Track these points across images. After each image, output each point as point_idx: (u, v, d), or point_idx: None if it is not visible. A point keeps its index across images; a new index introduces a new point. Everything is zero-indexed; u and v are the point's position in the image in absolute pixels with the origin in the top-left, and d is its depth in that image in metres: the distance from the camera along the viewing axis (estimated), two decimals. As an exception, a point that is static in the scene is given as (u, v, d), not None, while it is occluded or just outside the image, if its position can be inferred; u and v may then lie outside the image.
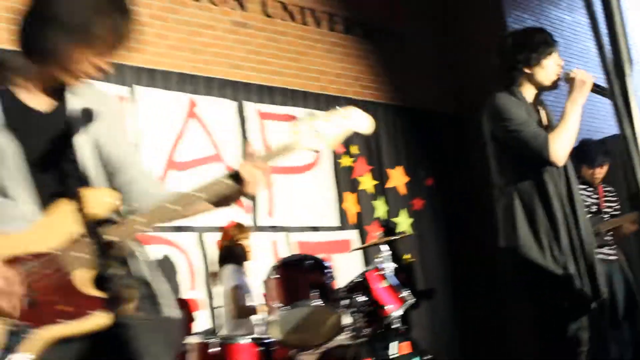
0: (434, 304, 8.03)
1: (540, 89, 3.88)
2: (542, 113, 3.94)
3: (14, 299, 2.11)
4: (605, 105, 9.56)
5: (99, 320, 2.16)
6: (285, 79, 7.53)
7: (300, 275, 5.00)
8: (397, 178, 8.21)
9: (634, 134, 1.18)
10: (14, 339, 2.10)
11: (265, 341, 4.96)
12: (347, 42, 8.34)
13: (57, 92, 2.45)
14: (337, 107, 2.60)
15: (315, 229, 7.32)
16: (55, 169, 2.31)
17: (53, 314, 2.15)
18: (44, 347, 2.14)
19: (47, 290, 2.17)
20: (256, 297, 5.70)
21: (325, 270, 5.06)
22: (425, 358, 5.22)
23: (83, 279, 2.20)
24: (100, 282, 2.20)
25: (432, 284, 8.13)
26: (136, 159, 2.68)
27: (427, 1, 9.35)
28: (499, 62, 3.98)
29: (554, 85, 3.85)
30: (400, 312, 5.16)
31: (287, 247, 7.00)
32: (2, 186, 2.26)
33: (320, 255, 5.28)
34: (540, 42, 3.82)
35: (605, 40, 1.26)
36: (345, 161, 7.70)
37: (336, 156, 7.63)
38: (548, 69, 3.79)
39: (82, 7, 2.25)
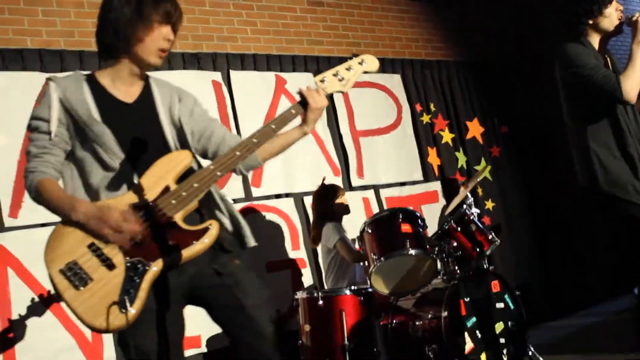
0: (517, 243, 7.99)
1: (606, 35, 3.86)
2: (609, 61, 3.88)
3: (127, 235, 2.45)
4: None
5: (197, 248, 2.53)
6: (363, 49, 7.46)
7: (393, 228, 5.00)
8: (474, 129, 8.13)
9: None
10: (135, 272, 2.43)
11: (366, 291, 4.98)
12: (416, 7, 8.26)
13: (141, 85, 2.86)
14: (352, 55, 3.01)
15: (402, 184, 7.30)
16: (145, 142, 2.71)
17: (162, 249, 2.50)
18: (156, 275, 2.48)
19: (152, 232, 2.51)
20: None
21: (417, 221, 5.04)
22: (514, 294, 5.17)
23: (180, 217, 2.56)
24: (195, 219, 2.67)
25: (514, 225, 8.08)
26: (218, 129, 3.00)
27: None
28: (565, 17, 3.93)
29: (618, 30, 3.83)
30: (487, 253, 5.13)
31: (378, 203, 7.00)
32: (106, 162, 2.61)
33: (409, 207, 5.24)
34: None
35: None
36: (425, 118, 7.66)
37: (416, 114, 7.60)
38: (610, 17, 3.78)
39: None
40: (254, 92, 6.45)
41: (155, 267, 2.47)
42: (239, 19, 6.68)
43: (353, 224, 5.73)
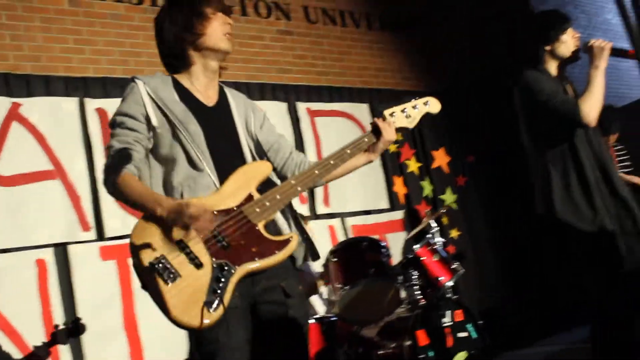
0: (482, 273, 7.97)
1: (563, 62, 3.91)
2: (568, 87, 3.93)
3: (203, 225, 2.48)
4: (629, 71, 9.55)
5: (279, 257, 2.60)
6: (331, 78, 7.53)
7: (357, 256, 4.99)
8: (441, 158, 8.15)
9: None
10: (223, 273, 2.48)
11: (329, 320, 4.94)
12: (384, 38, 8.31)
13: (217, 91, 2.91)
14: (416, 97, 3.20)
15: (368, 212, 7.27)
16: (226, 148, 2.76)
17: (246, 254, 2.55)
18: (240, 278, 2.52)
19: (238, 237, 2.56)
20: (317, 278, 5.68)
21: (381, 250, 5.04)
22: (477, 323, 5.15)
23: (263, 226, 2.62)
24: (275, 229, 2.74)
25: (479, 253, 8.07)
26: (285, 144, 3.04)
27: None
28: (524, 45, 4.03)
29: (575, 57, 3.88)
30: (451, 282, 5.11)
31: (343, 231, 6.97)
32: (195, 162, 2.64)
33: (374, 236, 5.21)
34: (554, 21, 3.89)
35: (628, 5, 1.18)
36: (392, 147, 7.63)
37: (383, 144, 7.53)
38: (567, 43, 3.85)
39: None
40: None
41: (240, 270, 2.54)
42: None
43: (320, 252, 5.67)
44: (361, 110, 7.54)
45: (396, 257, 5.88)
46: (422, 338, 4.78)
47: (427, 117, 7.59)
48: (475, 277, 7.85)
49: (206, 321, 2.40)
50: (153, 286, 2.43)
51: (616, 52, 3.70)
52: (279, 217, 2.79)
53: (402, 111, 3.03)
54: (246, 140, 2.84)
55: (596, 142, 3.80)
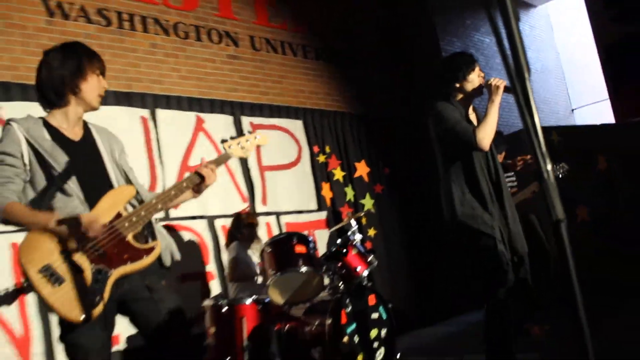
0: (393, 265, 8.08)
1: (469, 96, 3.99)
2: (473, 115, 4.03)
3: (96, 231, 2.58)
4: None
5: (147, 261, 2.74)
6: (271, 97, 7.55)
7: (288, 248, 5.00)
8: (362, 169, 8.19)
9: (533, 123, 1.18)
10: (100, 276, 2.58)
11: (264, 301, 4.96)
12: (318, 66, 8.38)
13: (82, 127, 2.96)
14: (249, 131, 3.36)
15: (299, 212, 7.29)
16: (93, 175, 2.82)
17: (120, 260, 2.66)
18: (116, 280, 2.65)
19: (112, 246, 2.65)
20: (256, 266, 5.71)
21: (309, 243, 5.06)
22: (387, 306, 5.21)
23: (132, 237, 2.74)
24: (141, 238, 2.82)
25: (390, 249, 8.17)
26: (134, 176, 3.10)
27: (379, 31, 9.43)
28: (437, 81, 4.08)
29: (479, 92, 3.97)
30: (367, 272, 5.16)
31: (278, 227, 6.99)
32: (64, 189, 2.68)
33: (304, 232, 5.25)
34: (463, 63, 3.97)
35: (508, 53, 1.25)
36: (321, 158, 7.71)
37: (313, 154, 7.63)
38: (472, 81, 3.95)
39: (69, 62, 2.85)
40: (177, 128, 6.40)
41: (116, 272, 2.64)
42: (166, 65, 6.65)
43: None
44: (296, 126, 7.57)
45: (321, 250, 5.92)
46: (342, 317, 4.83)
47: (349, 133, 7.78)
48: (387, 268, 7.95)
49: (89, 315, 2.52)
50: (41, 290, 2.50)
51: (508, 90, 3.80)
52: (146, 229, 2.89)
53: (238, 144, 3.14)
54: (112, 166, 2.91)
55: (491, 163, 3.93)
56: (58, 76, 2.81)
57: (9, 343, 4.88)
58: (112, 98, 5.89)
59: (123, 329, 5.03)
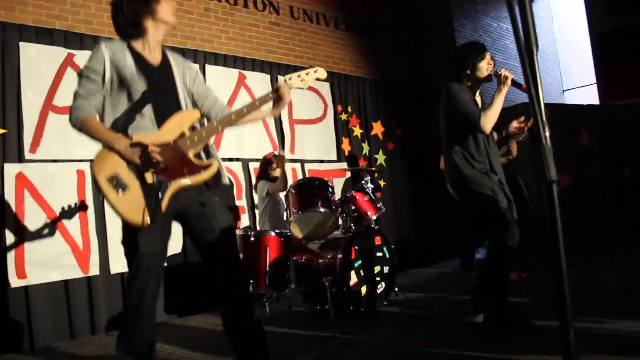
0: (398, 212, 8.10)
1: (478, 82, 3.90)
2: (478, 99, 3.93)
3: (159, 159, 2.54)
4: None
5: (204, 176, 2.69)
6: (304, 61, 7.47)
7: (310, 191, 5.01)
8: (377, 128, 8.14)
9: (537, 93, 1.15)
10: (161, 186, 2.55)
11: (286, 234, 4.99)
12: (347, 36, 8.26)
13: (160, 53, 2.85)
14: (310, 66, 3.25)
15: (321, 161, 7.28)
16: (166, 97, 2.76)
17: (180, 173, 2.63)
18: (175, 191, 2.61)
19: (173, 162, 2.62)
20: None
21: (328, 188, 5.06)
22: (390, 247, 5.23)
23: (192, 154, 2.69)
24: (200, 156, 2.78)
25: (397, 198, 8.18)
26: (211, 94, 3.02)
27: (401, 7, 9.24)
28: (450, 66, 3.98)
29: (488, 79, 3.86)
30: (375, 217, 5.17)
31: (302, 172, 6.99)
32: (140, 110, 2.64)
33: (324, 178, 5.24)
34: (474, 51, 3.86)
35: (520, 29, 1.21)
36: (343, 116, 7.67)
37: (337, 113, 7.58)
38: (482, 69, 3.83)
39: None
40: (222, 82, 6.35)
41: (174, 184, 2.61)
42: (216, 27, 6.60)
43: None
44: (323, 87, 7.48)
45: (338, 195, 5.93)
46: (351, 253, 4.85)
47: (369, 97, 7.73)
48: (393, 214, 7.98)
49: (148, 220, 2.51)
50: (108, 195, 2.51)
51: (515, 84, 3.71)
52: (205, 149, 2.85)
53: (298, 76, 2.99)
54: (182, 91, 2.84)
55: (491, 141, 3.89)
56: (131, 9, 2.73)
57: (72, 254, 4.96)
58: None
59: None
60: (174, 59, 2.92)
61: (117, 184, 2.51)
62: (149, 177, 2.56)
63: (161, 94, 2.73)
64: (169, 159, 2.60)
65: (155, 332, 2.80)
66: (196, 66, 3.07)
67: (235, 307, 2.82)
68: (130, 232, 2.61)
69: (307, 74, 3.02)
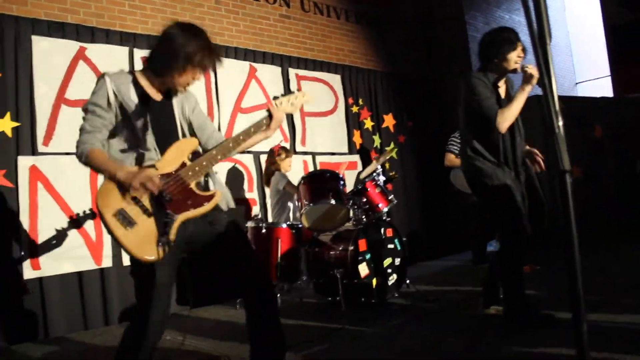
0: (410, 205, 8.10)
1: (504, 72, 3.70)
2: (503, 88, 3.77)
3: (152, 187, 2.45)
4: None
5: (207, 207, 2.63)
6: (315, 53, 7.46)
7: (321, 183, 5.00)
8: (389, 121, 8.12)
9: (550, 84, 1.13)
10: (167, 220, 2.48)
11: (297, 226, 4.98)
12: (358, 29, 8.23)
13: (164, 91, 2.79)
14: (298, 90, 3.22)
15: (332, 153, 7.27)
16: (167, 131, 2.71)
17: (184, 206, 2.57)
18: (180, 224, 2.54)
19: (177, 193, 2.57)
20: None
21: (339, 180, 5.05)
22: (402, 239, 5.22)
23: (194, 185, 2.64)
24: (202, 186, 2.74)
25: (408, 191, 8.18)
26: (209, 125, 2.95)
27: (410, 0, 9.18)
28: (478, 53, 3.79)
29: (514, 71, 3.64)
30: (387, 209, 5.16)
31: (313, 165, 6.99)
32: (142, 143, 2.61)
33: (335, 171, 5.23)
34: (504, 41, 3.63)
35: (533, 20, 1.19)
36: (354, 109, 7.65)
37: (348, 105, 7.57)
38: (510, 61, 3.62)
39: (191, 45, 2.60)
40: (233, 75, 6.37)
41: (180, 217, 2.56)
42: (227, 20, 6.59)
43: (295, 178, 5.71)
44: (335, 79, 7.49)
45: (349, 187, 5.92)
46: (362, 245, 4.85)
47: (380, 89, 7.72)
48: (405, 207, 7.98)
49: (159, 255, 2.45)
50: (115, 232, 2.45)
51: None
52: (206, 177, 2.81)
53: (288, 100, 2.97)
54: (180, 122, 2.79)
55: (517, 131, 3.75)
56: (175, 52, 2.62)
57: (85, 246, 4.99)
58: (179, 45, 5.87)
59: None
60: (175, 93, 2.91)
61: (124, 219, 2.47)
62: (155, 210, 2.53)
63: (161, 126, 2.70)
64: (172, 189, 2.59)
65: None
66: (195, 95, 3.02)
67: (263, 302, 2.78)
68: (140, 264, 2.56)
69: (296, 98, 3.02)
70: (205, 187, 2.78)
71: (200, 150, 2.89)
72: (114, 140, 2.65)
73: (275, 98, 2.96)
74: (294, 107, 3.01)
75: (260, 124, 2.85)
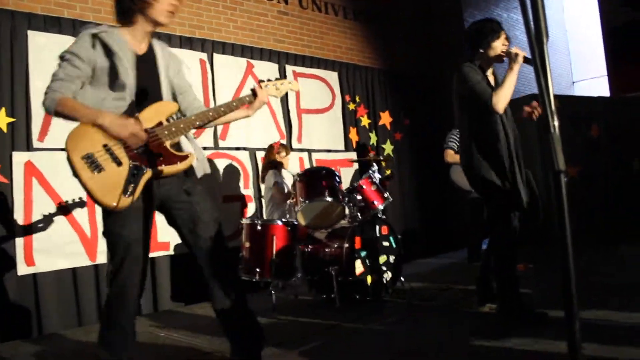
0: (405, 202, 8.09)
1: (490, 61, 3.79)
2: (492, 78, 3.84)
3: (138, 139, 2.54)
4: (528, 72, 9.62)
5: (180, 167, 2.68)
6: (313, 50, 7.45)
7: (317, 180, 4.99)
8: (385, 118, 8.11)
9: (546, 83, 1.13)
10: (136, 172, 2.52)
11: (292, 223, 4.98)
12: (355, 26, 8.21)
13: (147, 44, 2.81)
14: (285, 77, 3.34)
15: (329, 151, 7.27)
16: (149, 86, 2.71)
17: (156, 161, 2.61)
18: (149, 178, 2.59)
19: (149, 149, 2.60)
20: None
21: (335, 177, 5.04)
22: (397, 237, 5.22)
23: (169, 144, 2.67)
24: (177, 148, 2.76)
25: (404, 189, 8.18)
26: (191, 92, 2.99)
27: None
28: (465, 45, 3.87)
29: (500, 59, 3.74)
30: (382, 206, 5.15)
31: (309, 162, 6.98)
32: (123, 95, 2.60)
33: (331, 168, 5.22)
34: (489, 30, 3.74)
35: (530, 18, 1.19)
36: (351, 106, 7.64)
37: (345, 102, 7.55)
38: (495, 49, 3.72)
39: None
40: (230, 71, 6.35)
41: (149, 171, 2.58)
42: (225, 16, 6.56)
43: (291, 175, 5.72)
44: (332, 76, 7.47)
45: (345, 184, 5.92)
46: (357, 242, 4.85)
47: (377, 87, 7.71)
48: (400, 204, 7.99)
49: (122, 204, 2.47)
50: (80, 173, 2.45)
51: (527, 60, 3.54)
52: (184, 142, 2.82)
53: (274, 84, 3.03)
54: (165, 82, 2.80)
55: (508, 125, 3.74)
56: (126, 1, 2.68)
57: (79, 242, 4.98)
58: (176, 41, 5.89)
59: (173, 237, 5.19)
60: (160, 49, 2.88)
61: (92, 163, 2.46)
62: (125, 160, 2.53)
63: (143, 83, 2.69)
64: (145, 144, 2.59)
65: (135, 328, 2.76)
66: (181, 59, 3.02)
67: (227, 297, 2.81)
68: (113, 220, 2.58)
69: (281, 84, 3.07)
70: (180, 150, 2.77)
71: (178, 116, 2.91)
72: (90, 93, 2.61)
73: (261, 81, 3.00)
74: (279, 92, 3.07)
75: (243, 100, 2.91)
